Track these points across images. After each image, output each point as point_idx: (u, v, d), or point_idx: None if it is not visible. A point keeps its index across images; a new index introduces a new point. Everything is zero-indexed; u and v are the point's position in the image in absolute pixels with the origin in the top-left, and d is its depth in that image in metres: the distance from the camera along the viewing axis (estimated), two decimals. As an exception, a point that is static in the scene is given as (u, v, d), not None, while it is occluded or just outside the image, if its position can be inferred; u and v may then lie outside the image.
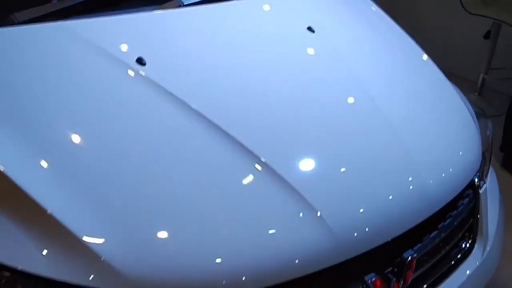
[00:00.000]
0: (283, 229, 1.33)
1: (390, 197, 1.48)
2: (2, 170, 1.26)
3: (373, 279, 1.43)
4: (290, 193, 1.36)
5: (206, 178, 1.35)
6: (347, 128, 1.59)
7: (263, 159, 1.40)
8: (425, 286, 1.58)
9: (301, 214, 1.35)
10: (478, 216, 1.75)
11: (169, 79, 1.55)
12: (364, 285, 1.42)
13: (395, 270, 1.47)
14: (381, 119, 1.64)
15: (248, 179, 1.39)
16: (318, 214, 1.35)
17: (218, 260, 1.25)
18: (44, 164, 1.31)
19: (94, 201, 1.26)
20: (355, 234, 1.39)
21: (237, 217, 1.31)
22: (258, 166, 1.39)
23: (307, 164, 1.47)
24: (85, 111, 1.45)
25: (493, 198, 1.83)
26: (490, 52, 4.00)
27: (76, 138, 1.38)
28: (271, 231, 1.32)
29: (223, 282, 1.24)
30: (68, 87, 1.50)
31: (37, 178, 1.27)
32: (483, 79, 4.08)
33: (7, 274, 1.19)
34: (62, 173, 1.29)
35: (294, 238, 1.33)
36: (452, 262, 1.67)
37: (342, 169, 1.48)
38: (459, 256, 1.69)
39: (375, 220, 1.42)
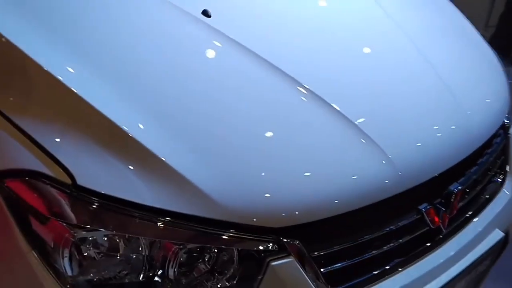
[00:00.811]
0: (350, 163, 1.47)
1: (439, 134, 1.64)
2: (103, 112, 1.37)
3: (427, 209, 1.59)
4: (355, 131, 1.51)
5: (284, 117, 1.50)
6: (403, 74, 1.77)
7: (328, 101, 1.54)
8: (466, 215, 1.75)
9: (365, 148, 1.49)
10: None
11: (233, 29, 1.66)
12: (419, 214, 1.58)
13: (444, 201, 1.63)
14: (429, 67, 1.82)
15: (317, 118, 1.53)
16: (381, 147, 1.50)
17: (289, 190, 1.39)
18: (142, 105, 1.42)
19: (194, 140, 1.39)
20: (413, 166, 1.54)
21: (312, 150, 1.45)
22: (324, 107, 1.53)
23: (368, 103, 1.61)
24: (154, 58, 1.56)
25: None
26: (488, 10, 4.13)
27: (159, 81, 1.49)
28: (339, 165, 1.46)
29: (296, 213, 1.38)
30: (135, 34, 1.60)
31: (138, 119, 1.38)
32: (482, 36, 4.21)
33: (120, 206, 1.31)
34: (160, 113, 1.41)
35: (359, 169, 1.47)
36: (488, 196, 1.84)
37: (399, 108, 1.63)
38: (493, 190, 1.86)
39: (430, 154, 1.58)
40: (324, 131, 1.50)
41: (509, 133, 1.94)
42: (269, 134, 1.46)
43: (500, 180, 1.89)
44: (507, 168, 1.93)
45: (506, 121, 1.92)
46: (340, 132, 1.50)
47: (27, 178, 1.32)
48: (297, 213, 1.36)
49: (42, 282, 1.32)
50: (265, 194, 1.35)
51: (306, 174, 1.41)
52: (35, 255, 1.32)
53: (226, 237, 1.33)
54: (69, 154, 1.33)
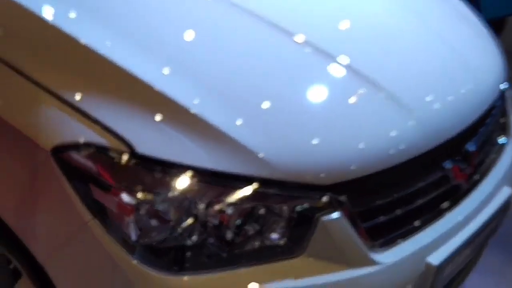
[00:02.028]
0: (385, 124, 1.57)
1: (459, 95, 1.75)
2: (155, 85, 1.44)
3: (450, 166, 1.70)
4: (388, 96, 1.61)
5: (326, 84, 1.63)
6: (423, 43, 1.91)
7: (364, 71, 1.65)
8: (480, 173, 1.87)
9: (397, 110, 1.59)
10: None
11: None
12: (443, 171, 1.69)
13: (463, 158, 1.75)
14: (443, 37, 1.97)
15: (346, 81, 1.64)
16: (411, 108, 1.60)
17: (337, 149, 1.48)
18: (193, 77, 1.50)
19: (244, 104, 1.48)
20: (438, 126, 1.64)
21: (352, 114, 1.56)
22: (360, 75, 1.64)
23: (396, 71, 1.72)
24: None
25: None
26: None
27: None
28: (376, 127, 1.56)
29: (343, 170, 1.47)
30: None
31: (190, 90, 1.46)
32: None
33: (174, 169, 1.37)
34: (209, 83, 1.49)
35: (393, 129, 1.57)
36: (495, 155, 1.97)
37: (422, 73, 1.75)
38: (499, 149, 1.99)
39: (451, 113, 1.69)
40: (363, 97, 1.60)
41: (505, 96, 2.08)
42: (315, 98, 1.57)
43: (504, 140, 2.01)
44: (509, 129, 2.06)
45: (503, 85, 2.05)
46: (375, 97, 1.61)
47: (86, 151, 1.36)
48: (343, 170, 1.45)
49: (105, 249, 1.36)
50: (315, 152, 1.44)
51: (349, 135, 1.50)
52: (97, 223, 1.36)
53: (278, 196, 1.40)
54: (126, 125, 1.39)
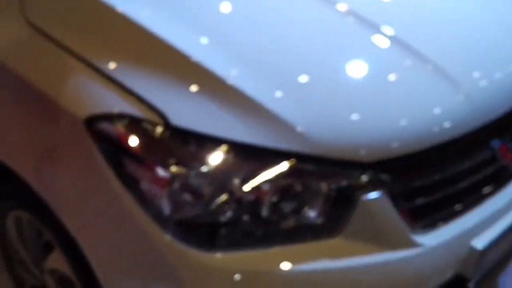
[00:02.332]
0: (432, 99, 1.50)
1: (502, 74, 1.67)
2: (190, 55, 1.40)
3: (497, 145, 1.62)
4: (437, 71, 1.54)
5: (369, 56, 1.56)
6: (472, 22, 1.83)
7: (412, 44, 1.59)
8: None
9: (445, 85, 1.52)
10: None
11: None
12: (489, 150, 1.61)
13: (510, 138, 1.67)
14: (491, 17, 1.88)
15: (401, 59, 1.57)
16: (459, 84, 1.52)
17: (380, 126, 1.42)
18: (228, 49, 1.46)
19: (283, 79, 1.42)
20: (486, 102, 1.57)
21: (397, 89, 1.49)
22: (407, 49, 1.58)
23: (445, 46, 1.65)
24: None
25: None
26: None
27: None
28: (421, 103, 1.49)
29: (385, 148, 1.41)
30: None
31: (226, 62, 1.41)
32: None
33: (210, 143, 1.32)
34: (245, 56, 1.45)
35: (440, 105, 1.50)
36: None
37: (473, 50, 1.68)
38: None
39: (501, 90, 1.61)
40: (408, 70, 1.54)
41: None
42: (357, 71, 1.51)
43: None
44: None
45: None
46: (420, 70, 1.54)
47: (120, 122, 1.33)
48: (386, 147, 1.39)
49: (137, 223, 1.33)
50: (356, 127, 1.38)
51: (392, 109, 1.44)
52: (130, 196, 1.33)
53: (316, 172, 1.35)
54: (161, 97, 1.35)
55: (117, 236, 1.40)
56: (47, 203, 1.49)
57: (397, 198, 1.41)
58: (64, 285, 1.77)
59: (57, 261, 1.69)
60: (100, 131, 1.34)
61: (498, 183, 1.64)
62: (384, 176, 1.38)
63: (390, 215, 1.39)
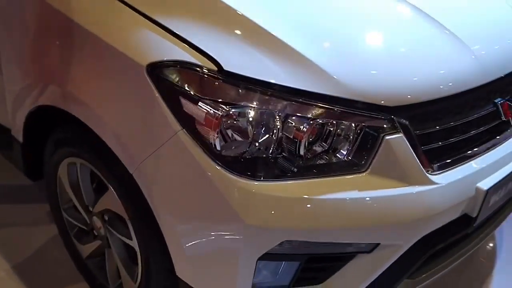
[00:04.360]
0: (446, 57, 1.75)
1: (509, 41, 1.90)
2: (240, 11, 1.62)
3: (501, 102, 1.85)
4: (448, 30, 1.80)
5: (398, 22, 1.84)
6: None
7: (421, 6, 1.85)
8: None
9: (457, 46, 1.77)
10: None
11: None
12: (494, 106, 1.84)
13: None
14: None
15: (417, 23, 1.83)
16: (469, 46, 1.76)
17: (404, 75, 1.66)
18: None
19: (321, 32, 1.68)
20: (494, 63, 1.80)
21: (417, 47, 1.75)
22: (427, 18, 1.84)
23: (457, 14, 1.92)
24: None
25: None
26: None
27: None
28: (438, 59, 1.74)
29: (407, 95, 1.63)
30: None
31: (271, 16, 1.65)
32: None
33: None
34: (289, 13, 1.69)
35: (453, 62, 1.75)
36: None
37: (484, 20, 1.96)
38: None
39: (503, 56, 1.84)
40: (427, 34, 1.80)
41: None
42: (383, 29, 1.78)
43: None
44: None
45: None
46: (439, 33, 1.80)
47: (178, 67, 1.54)
48: (407, 94, 1.61)
49: (192, 156, 1.54)
50: (383, 79, 1.62)
51: (413, 66, 1.68)
52: (186, 133, 1.54)
53: (348, 114, 1.57)
54: (214, 46, 1.57)
55: (173, 170, 1.60)
56: (108, 145, 1.70)
57: (415, 140, 1.62)
58: (113, 224, 1.97)
59: (109, 202, 1.89)
60: (160, 76, 1.55)
61: (503, 135, 1.86)
62: (404, 121, 1.60)
63: (409, 154, 1.60)
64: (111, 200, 1.87)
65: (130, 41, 1.62)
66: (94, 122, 1.73)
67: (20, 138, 2.16)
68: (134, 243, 1.85)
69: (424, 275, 1.80)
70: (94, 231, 2.10)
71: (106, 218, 1.99)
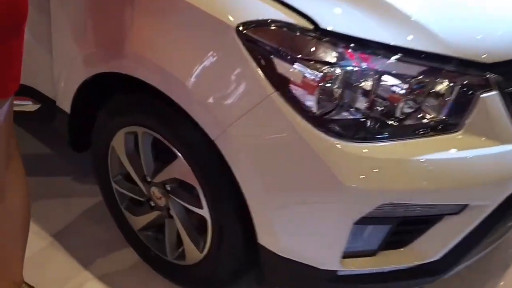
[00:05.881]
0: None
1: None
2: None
3: None
4: None
5: None
6: None
7: None
8: None
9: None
10: None
11: None
12: None
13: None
14: None
15: None
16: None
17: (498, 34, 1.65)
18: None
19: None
20: None
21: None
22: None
23: None
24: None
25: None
26: None
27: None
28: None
29: (500, 51, 1.61)
30: None
31: None
32: None
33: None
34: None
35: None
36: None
37: None
38: None
39: None
40: None
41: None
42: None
43: None
44: None
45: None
46: None
47: (273, 26, 1.47)
48: (500, 51, 1.57)
49: (287, 119, 1.48)
50: (480, 36, 1.60)
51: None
52: (279, 95, 1.47)
53: (447, 72, 1.53)
54: (309, 4, 1.50)
55: (263, 135, 1.53)
56: (187, 111, 1.62)
57: (508, 98, 1.58)
58: (177, 193, 1.90)
59: (177, 170, 1.81)
60: (252, 36, 1.48)
61: None
62: (499, 78, 1.55)
63: (503, 113, 1.57)
64: (179, 169, 1.79)
65: (216, 1, 1.53)
66: (171, 88, 1.65)
67: (67, 109, 2.06)
68: (205, 212, 1.79)
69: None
70: (151, 202, 2.02)
71: (169, 188, 1.91)
